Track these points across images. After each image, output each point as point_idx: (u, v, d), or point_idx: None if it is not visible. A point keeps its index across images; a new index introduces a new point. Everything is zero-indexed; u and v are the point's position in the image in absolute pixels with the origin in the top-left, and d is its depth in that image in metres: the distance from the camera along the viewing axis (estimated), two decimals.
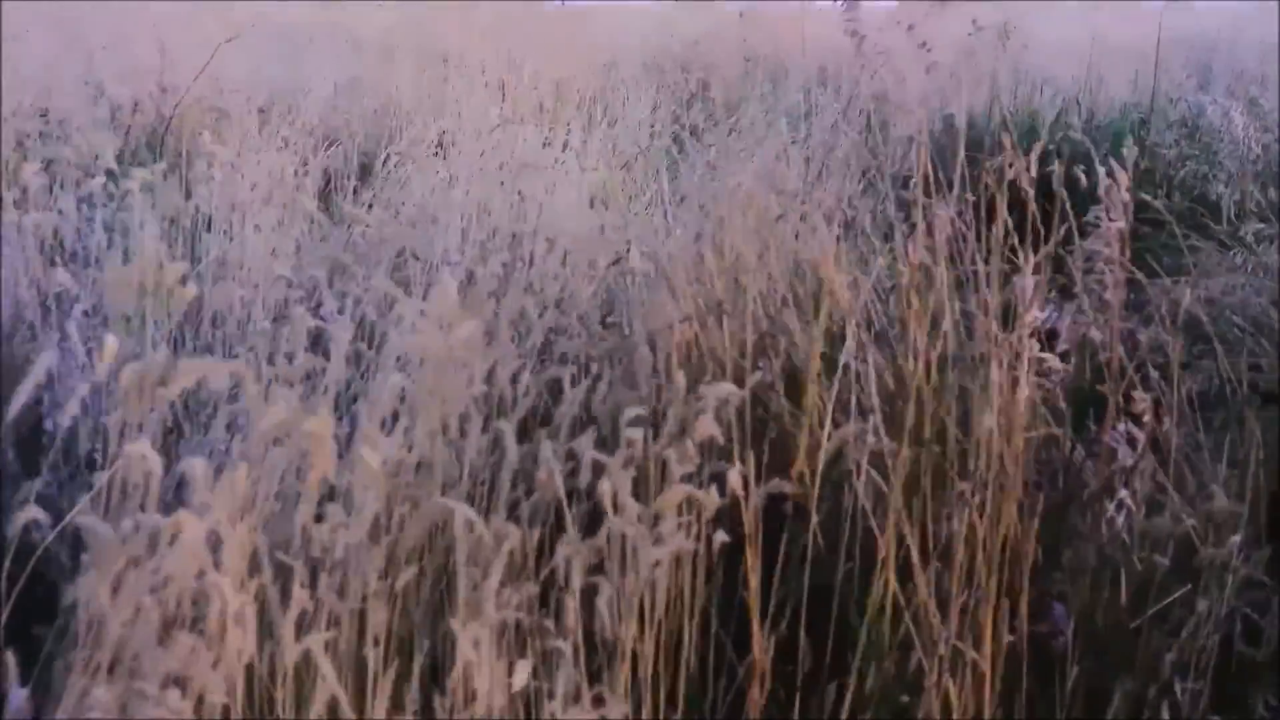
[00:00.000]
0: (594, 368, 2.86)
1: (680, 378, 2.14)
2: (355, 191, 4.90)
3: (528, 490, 2.10)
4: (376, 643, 1.77)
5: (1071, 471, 2.38)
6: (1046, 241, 2.78)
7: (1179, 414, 2.71)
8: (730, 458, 2.17)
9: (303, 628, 1.77)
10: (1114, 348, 2.42)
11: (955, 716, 2.04)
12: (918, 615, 2.08)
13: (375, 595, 1.81)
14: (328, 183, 5.11)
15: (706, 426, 2.08)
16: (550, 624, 1.93)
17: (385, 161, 4.61)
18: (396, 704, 1.74)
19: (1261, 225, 3.21)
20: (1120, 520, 2.27)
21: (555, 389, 2.48)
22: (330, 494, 1.95)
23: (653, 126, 6.29)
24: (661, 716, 2.02)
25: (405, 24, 11.27)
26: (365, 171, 5.19)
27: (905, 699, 2.09)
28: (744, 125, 5.77)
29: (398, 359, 2.25)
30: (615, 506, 1.94)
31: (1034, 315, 2.17)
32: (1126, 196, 2.49)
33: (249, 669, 1.70)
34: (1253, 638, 2.41)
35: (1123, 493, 2.25)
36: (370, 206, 4.29)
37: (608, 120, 5.75)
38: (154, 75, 6.42)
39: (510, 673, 1.73)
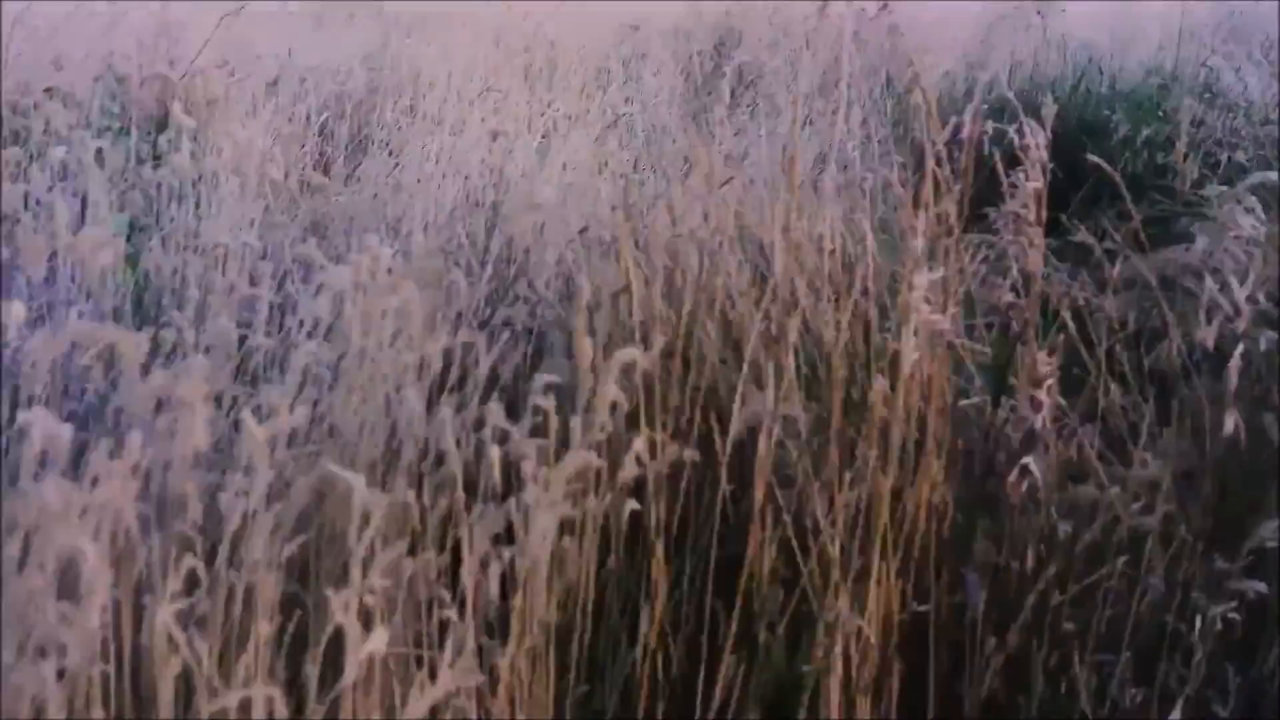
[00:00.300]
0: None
1: (587, 344, 2.14)
2: (353, 161, 4.95)
3: (440, 458, 2.11)
4: (245, 608, 1.79)
5: (991, 437, 2.37)
6: (996, 203, 2.77)
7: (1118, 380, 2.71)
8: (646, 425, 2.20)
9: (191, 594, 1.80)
10: (1032, 311, 2.40)
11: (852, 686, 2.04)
12: (812, 582, 2.09)
13: (263, 563, 1.83)
14: (323, 154, 5.17)
15: (610, 393, 2.08)
16: (447, 593, 1.95)
17: (363, 133, 4.65)
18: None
19: (1224, 188, 3.15)
20: (1039, 487, 2.25)
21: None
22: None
23: (656, 94, 6.30)
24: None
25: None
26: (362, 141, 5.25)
27: (806, 668, 2.10)
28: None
29: (313, 325, 2.27)
30: (512, 474, 1.96)
31: (924, 276, 2.16)
32: (1044, 156, 2.46)
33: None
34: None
35: (1027, 459, 2.23)
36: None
37: (602, 88, 5.73)
38: (163, 49, 6.47)
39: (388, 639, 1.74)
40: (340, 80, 6.33)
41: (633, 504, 2.19)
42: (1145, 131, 5.85)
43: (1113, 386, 2.72)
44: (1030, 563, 2.24)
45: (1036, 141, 2.46)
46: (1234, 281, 2.37)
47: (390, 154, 4.64)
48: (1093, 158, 2.94)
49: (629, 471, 2.15)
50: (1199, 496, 2.48)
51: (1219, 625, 2.16)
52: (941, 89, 8.15)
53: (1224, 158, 5.68)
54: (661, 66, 7.55)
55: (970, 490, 2.37)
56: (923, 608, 2.24)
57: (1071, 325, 2.71)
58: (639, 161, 4.21)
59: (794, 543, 2.13)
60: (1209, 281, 2.38)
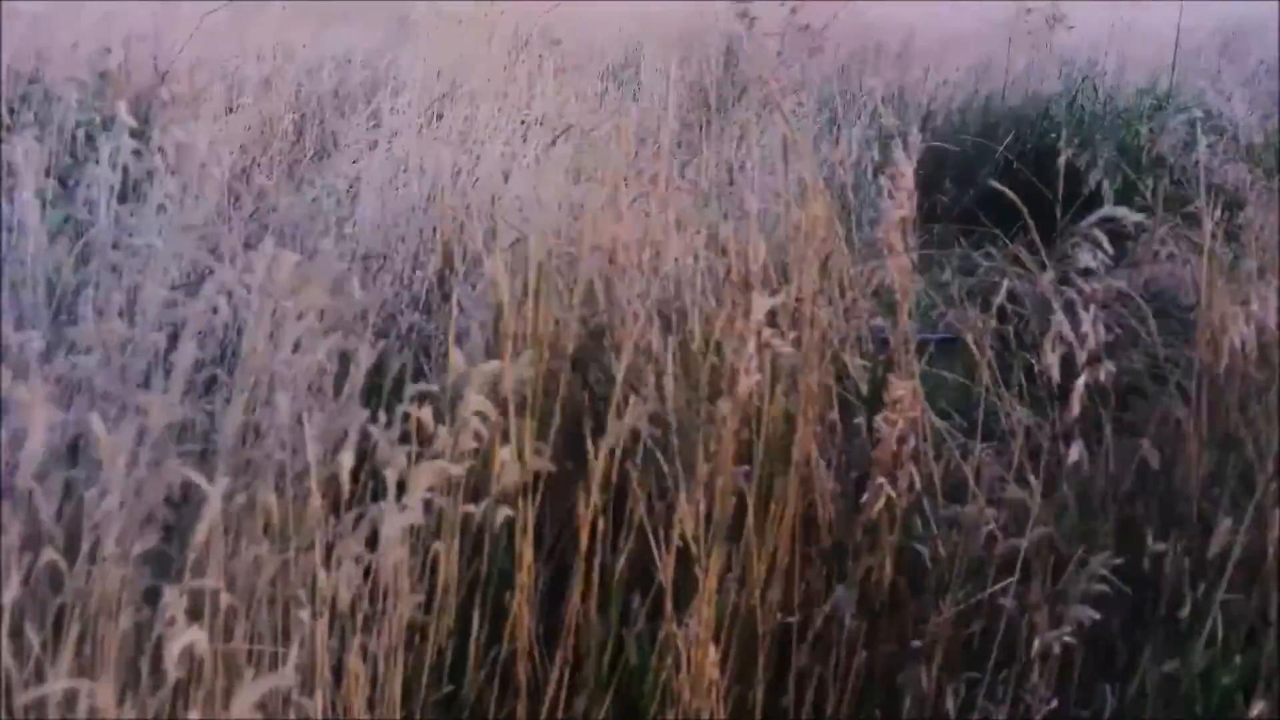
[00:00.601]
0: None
1: (457, 355, 2.18)
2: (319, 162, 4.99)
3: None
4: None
5: (855, 457, 2.41)
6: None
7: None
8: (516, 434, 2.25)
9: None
10: (900, 337, 2.43)
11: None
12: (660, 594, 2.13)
13: (113, 559, 1.87)
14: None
15: (474, 403, 2.13)
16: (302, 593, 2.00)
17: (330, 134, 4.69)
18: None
19: (1141, 216, 3.16)
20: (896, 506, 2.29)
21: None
22: None
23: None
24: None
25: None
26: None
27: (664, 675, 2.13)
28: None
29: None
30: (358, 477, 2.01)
31: (764, 301, 2.20)
32: (910, 184, 2.48)
33: None
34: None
35: (881, 480, 2.27)
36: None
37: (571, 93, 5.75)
38: (149, 44, 6.52)
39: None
40: (322, 79, 6.39)
41: (506, 510, 2.22)
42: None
43: (1019, 408, 2.75)
44: (888, 576, 2.27)
45: (903, 171, 2.48)
46: (1082, 313, 2.40)
47: (354, 158, 4.67)
48: (994, 183, 2.98)
49: (507, 478, 2.20)
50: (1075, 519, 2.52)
51: (1056, 649, 2.19)
52: (941, 100, 8.21)
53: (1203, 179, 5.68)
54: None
55: (847, 506, 2.40)
56: (789, 619, 2.28)
57: (974, 349, 2.74)
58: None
59: (654, 549, 2.17)
60: (1058, 313, 2.41)
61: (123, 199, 3.65)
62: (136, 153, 3.67)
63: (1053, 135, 7.37)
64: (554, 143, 4.26)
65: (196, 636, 1.75)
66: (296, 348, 2.28)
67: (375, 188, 4.03)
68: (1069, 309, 2.40)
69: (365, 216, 3.83)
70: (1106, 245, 2.53)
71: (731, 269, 2.44)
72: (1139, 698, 2.36)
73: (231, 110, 5.55)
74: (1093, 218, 2.56)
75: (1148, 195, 4.66)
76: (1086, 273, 2.49)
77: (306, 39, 7.45)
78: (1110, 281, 2.89)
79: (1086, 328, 2.38)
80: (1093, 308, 2.40)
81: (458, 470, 2.07)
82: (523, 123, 5.18)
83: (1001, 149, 6.71)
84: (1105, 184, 5.18)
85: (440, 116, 5.16)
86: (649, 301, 2.43)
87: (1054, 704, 2.27)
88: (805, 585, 2.34)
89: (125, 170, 3.63)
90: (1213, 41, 10.05)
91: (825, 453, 2.42)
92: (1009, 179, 6.12)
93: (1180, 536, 2.40)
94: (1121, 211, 2.57)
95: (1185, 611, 2.33)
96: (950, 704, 2.27)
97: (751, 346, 2.18)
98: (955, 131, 7.44)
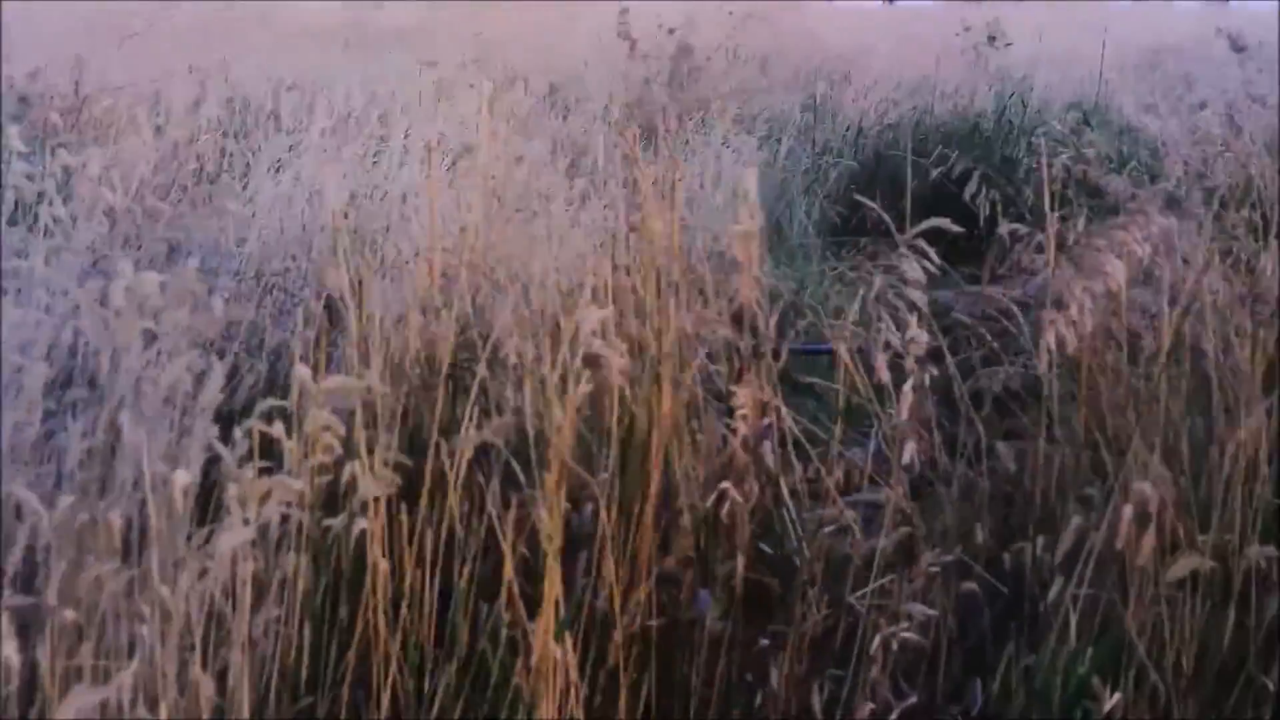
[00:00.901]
0: None
1: (303, 371, 2.18)
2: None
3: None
4: None
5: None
6: None
7: None
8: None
9: None
10: (748, 347, 2.48)
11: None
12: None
13: None
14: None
15: (320, 419, 2.13)
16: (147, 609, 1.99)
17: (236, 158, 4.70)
18: None
19: (1017, 225, 3.24)
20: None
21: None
22: None
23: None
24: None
25: (420, 22, 11.06)
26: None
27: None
28: None
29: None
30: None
31: (595, 314, 2.22)
32: (755, 200, 2.51)
33: None
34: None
35: (726, 484, 2.30)
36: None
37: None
38: (70, 69, 6.50)
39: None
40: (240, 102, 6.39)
41: (361, 523, 2.22)
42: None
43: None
44: (748, 579, 2.30)
45: (747, 189, 2.51)
46: (911, 319, 2.44)
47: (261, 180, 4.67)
48: (862, 199, 3.04)
49: (358, 492, 2.21)
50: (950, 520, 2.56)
51: (894, 645, 2.22)
52: (874, 116, 8.24)
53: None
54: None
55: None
56: (652, 622, 2.29)
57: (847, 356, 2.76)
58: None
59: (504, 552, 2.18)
60: (886, 319, 2.46)
61: (15, 222, 3.66)
62: (29, 177, 3.68)
63: (976, 152, 7.43)
64: (454, 164, 4.28)
65: (9, 651, 1.74)
66: (150, 365, 2.29)
67: (275, 209, 4.04)
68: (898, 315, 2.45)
69: (260, 237, 3.83)
70: (933, 255, 2.57)
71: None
72: (1004, 690, 2.39)
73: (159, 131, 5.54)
74: (913, 231, 2.59)
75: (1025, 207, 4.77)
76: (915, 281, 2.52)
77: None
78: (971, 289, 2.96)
79: (913, 333, 2.42)
80: (917, 314, 2.44)
81: (298, 485, 2.07)
82: (439, 142, 5.21)
83: (930, 162, 6.76)
84: (982, 196, 5.27)
85: (349, 141, 5.18)
86: (519, 315, 2.46)
87: (914, 699, 2.29)
88: (670, 588, 2.35)
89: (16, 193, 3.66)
90: (1142, 59, 10.20)
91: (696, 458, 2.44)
92: (937, 192, 6.19)
93: (1039, 536, 2.44)
94: (944, 222, 2.61)
95: (1042, 607, 2.36)
96: (816, 700, 2.29)
97: (580, 358, 2.20)
98: (887, 147, 7.53)
